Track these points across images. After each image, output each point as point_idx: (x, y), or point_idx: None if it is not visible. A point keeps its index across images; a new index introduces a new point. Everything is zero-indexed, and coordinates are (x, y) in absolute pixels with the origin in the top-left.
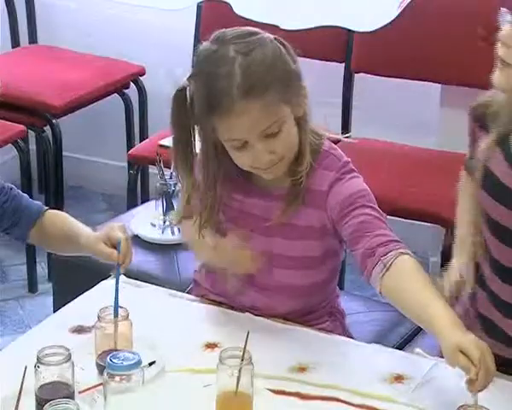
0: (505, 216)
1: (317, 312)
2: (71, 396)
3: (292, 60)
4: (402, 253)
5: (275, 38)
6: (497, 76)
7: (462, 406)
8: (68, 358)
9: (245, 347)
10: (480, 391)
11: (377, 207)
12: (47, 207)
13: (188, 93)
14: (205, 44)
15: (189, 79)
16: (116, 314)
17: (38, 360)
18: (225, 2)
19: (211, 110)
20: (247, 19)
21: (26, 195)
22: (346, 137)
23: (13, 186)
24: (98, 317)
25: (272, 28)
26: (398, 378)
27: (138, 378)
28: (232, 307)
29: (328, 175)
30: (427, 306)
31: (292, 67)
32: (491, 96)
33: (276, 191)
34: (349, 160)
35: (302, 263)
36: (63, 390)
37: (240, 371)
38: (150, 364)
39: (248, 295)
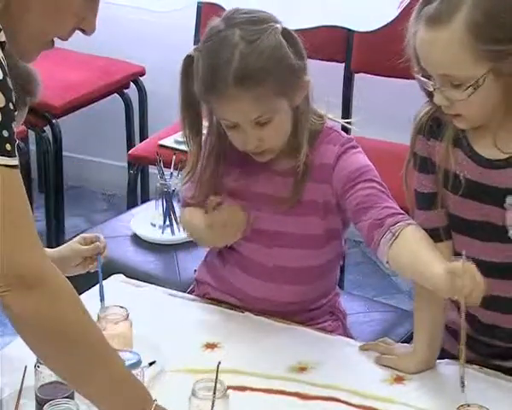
0: (474, 210)
1: (317, 310)
2: (71, 396)
3: (295, 54)
4: (410, 223)
5: (283, 30)
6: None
7: (461, 405)
8: None
9: (216, 377)
10: (469, 305)
11: (382, 183)
12: None
13: (194, 62)
14: (215, 21)
15: (195, 50)
16: (102, 298)
17: (38, 360)
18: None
19: (208, 88)
20: None
21: None
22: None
23: None
24: (98, 317)
25: None
26: (398, 379)
27: (138, 378)
28: (232, 307)
29: (332, 149)
30: (431, 264)
31: (292, 62)
32: (433, 107)
33: (278, 167)
34: (352, 137)
35: (302, 242)
36: (63, 390)
37: (213, 403)
38: (150, 364)
39: (247, 281)
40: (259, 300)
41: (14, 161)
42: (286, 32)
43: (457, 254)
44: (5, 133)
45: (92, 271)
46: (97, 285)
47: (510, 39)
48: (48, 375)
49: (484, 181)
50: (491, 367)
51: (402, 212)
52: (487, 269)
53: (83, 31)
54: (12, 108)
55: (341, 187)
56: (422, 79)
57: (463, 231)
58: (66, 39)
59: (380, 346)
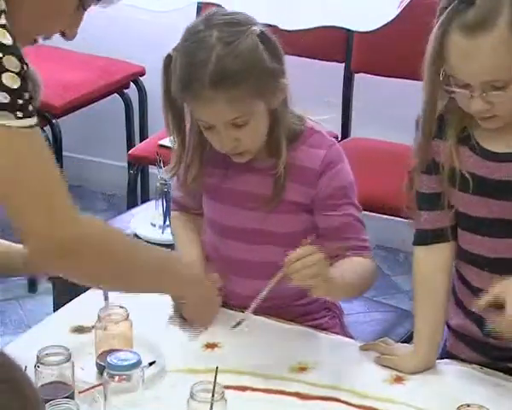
0: (485, 208)
1: (310, 305)
2: (71, 396)
3: (271, 57)
4: (366, 256)
5: (261, 32)
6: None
7: (461, 405)
8: (68, 358)
9: (215, 381)
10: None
11: (358, 205)
12: None
13: (173, 61)
14: (195, 21)
15: (174, 50)
16: (106, 298)
17: (38, 360)
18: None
19: (184, 89)
20: None
21: None
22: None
23: None
24: (98, 317)
25: (271, 29)
26: (398, 379)
27: (138, 378)
28: (232, 307)
29: (317, 152)
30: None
31: (268, 65)
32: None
33: (259, 166)
34: (334, 139)
35: (284, 240)
36: (63, 390)
37: (211, 406)
38: (150, 364)
39: (233, 280)
40: (249, 297)
41: (35, 120)
42: (263, 35)
43: (464, 251)
44: (27, 96)
45: None
46: None
47: None
48: (48, 375)
49: (493, 176)
50: (503, 370)
51: (366, 245)
52: (498, 267)
53: (63, 35)
54: (27, 73)
55: (322, 199)
56: (458, 90)
57: (473, 230)
58: (48, 39)
59: (380, 346)
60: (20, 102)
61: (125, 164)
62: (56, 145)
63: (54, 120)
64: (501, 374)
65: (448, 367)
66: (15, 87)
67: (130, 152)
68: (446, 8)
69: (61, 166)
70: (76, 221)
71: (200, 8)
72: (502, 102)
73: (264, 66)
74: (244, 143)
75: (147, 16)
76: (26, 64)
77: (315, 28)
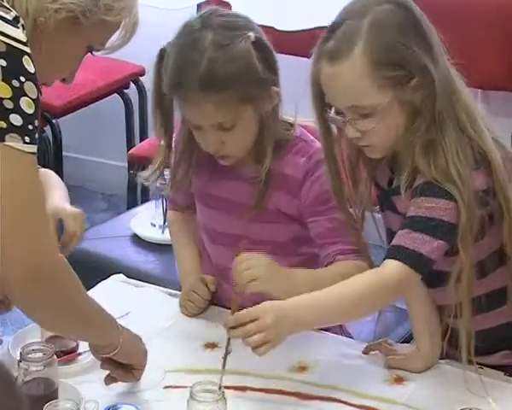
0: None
1: None
2: (55, 393)
3: (264, 65)
4: (353, 260)
5: (256, 39)
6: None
7: (463, 409)
8: (52, 355)
9: (222, 375)
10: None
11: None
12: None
13: (165, 57)
14: (193, 18)
15: (168, 44)
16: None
17: (22, 357)
18: (225, 2)
19: (173, 87)
20: None
21: None
22: None
23: None
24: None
25: (271, 29)
26: (398, 379)
27: None
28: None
29: (299, 161)
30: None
31: (259, 72)
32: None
33: (245, 174)
34: (319, 147)
35: (270, 248)
36: (47, 386)
37: (222, 396)
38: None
39: (224, 288)
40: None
41: (36, 148)
42: (258, 42)
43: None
44: (36, 123)
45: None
46: (97, 286)
47: (404, 64)
48: (33, 371)
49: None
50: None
51: (354, 248)
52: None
53: (63, 80)
54: (39, 102)
55: (307, 207)
56: (333, 115)
57: None
58: (49, 86)
59: (383, 346)
60: (30, 127)
61: (125, 164)
62: (56, 145)
63: (54, 120)
64: (501, 374)
65: (448, 367)
66: (30, 113)
67: (130, 152)
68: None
69: (61, 166)
70: (55, 251)
71: (199, 7)
72: (372, 131)
73: (255, 73)
74: (228, 146)
75: (147, 16)
76: (41, 93)
77: (314, 29)
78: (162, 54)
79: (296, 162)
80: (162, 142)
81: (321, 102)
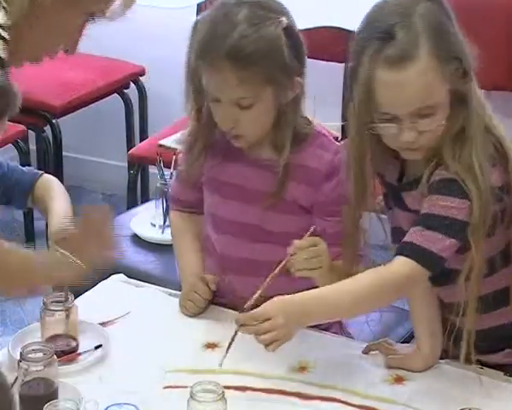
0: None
1: None
2: (55, 393)
3: (291, 52)
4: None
5: (288, 26)
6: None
7: (463, 409)
8: (52, 355)
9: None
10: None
11: None
12: (41, 173)
13: (197, 26)
14: None
15: (201, 16)
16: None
17: (22, 357)
18: None
19: (200, 54)
20: None
21: (18, 167)
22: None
23: (1, 162)
24: (43, 303)
25: None
26: (398, 379)
27: None
28: (231, 307)
29: (324, 155)
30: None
31: (285, 58)
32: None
33: (262, 161)
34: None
35: (282, 239)
36: (46, 387)
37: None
38: (96, 347)
39: (231, 279)
40: (245, 297)
41: None
42: (289, 29)
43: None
44: None
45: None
46: (97, 286)
47: (460, 56)
48: (33, 371)
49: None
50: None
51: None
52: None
53: (66, 51)
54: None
55: (324, 203)
56: (385, 125)
57: None
58: (52, 58)
59: (383, 346)
60: None
61: (125, 164)
62: (56, 145)
63: (54, 120)
64: (501, 374)
65: (448, 367)
66: None
67: (130, 152)
68: (360, 51)
69: (61, 167)
70: None
71: (199, 7)
72: (430, 130)
73: (281, 57)
74: (243, 126)
75: (147, 16)
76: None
77: (315, 28)
78: (195, 26)
79: (320, 156)
80: (191, 118)
81: (366, 109)
